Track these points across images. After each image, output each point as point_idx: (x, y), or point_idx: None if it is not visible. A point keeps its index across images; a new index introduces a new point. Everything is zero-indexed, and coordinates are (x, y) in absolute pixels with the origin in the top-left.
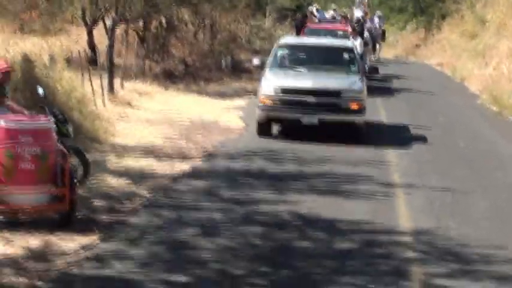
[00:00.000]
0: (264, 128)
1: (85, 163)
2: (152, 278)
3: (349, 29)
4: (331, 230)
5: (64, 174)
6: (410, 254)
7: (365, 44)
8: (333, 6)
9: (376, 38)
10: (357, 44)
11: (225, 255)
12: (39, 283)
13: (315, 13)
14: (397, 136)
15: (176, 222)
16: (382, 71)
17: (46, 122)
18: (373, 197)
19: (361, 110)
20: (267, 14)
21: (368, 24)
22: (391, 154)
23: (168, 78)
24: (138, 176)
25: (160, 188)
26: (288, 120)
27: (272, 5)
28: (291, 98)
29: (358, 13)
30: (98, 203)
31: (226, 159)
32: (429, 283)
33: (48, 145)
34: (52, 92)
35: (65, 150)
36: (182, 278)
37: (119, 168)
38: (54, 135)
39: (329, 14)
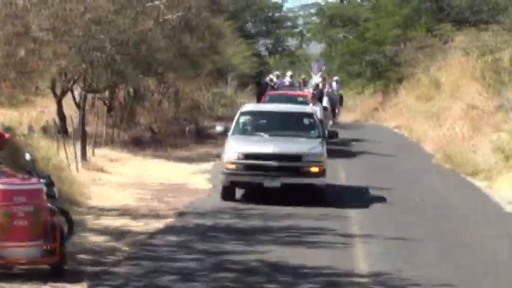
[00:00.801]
0: (228, 192)
1: (69, 221)
2: None
3: (308, 95)
4: (296, 275)
5: (54, 230)
6: None
7: (324, 108)
8: (289, 72)
9: (335, 103)
10: (316, 109)
11: None
12: None
13: (275, 80)
14: (356, 196)
15: (156, 271)
16: (342, 134)
17: (37, 183)
18: (334, 246)
19: (321, 173)
20: (229, 81)
21: (327, 90)
22: (351, 211)
23: (136, 144)
24: (117, 234)
25: (138, 243)
26: (251, 184)
27: (233, 73)
28: (253, 163)
29: (316, 79)
30: (83, 256)
31: (196, 217)
32: None
33: (40, 204)
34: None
35: (54, 208)
36: None
37: (98, 227)
38: (45, 195)
39: (287, 80)
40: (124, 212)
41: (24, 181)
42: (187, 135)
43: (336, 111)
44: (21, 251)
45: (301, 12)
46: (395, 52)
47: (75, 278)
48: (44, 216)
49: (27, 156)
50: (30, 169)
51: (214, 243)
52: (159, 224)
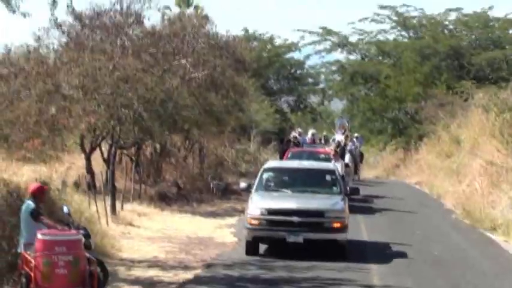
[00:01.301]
0: (251, 247)
1: (105, 271)
2: None
3: (330, 152)
4: None
5: (92, 278)
6: None
7: (346, 165)
8: (312, 130)
9: (357, 160)
10: (338, 166)
11: None
12: None
13: (298, 137)
14: (377, 250)
15: None
16: (363, 191)
17: (76, 234)
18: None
19: (343, 229)
20: (252, 138)
21: (349, 146)
22: (372, 264)
23: (163, 199)
24: (148, 284)
25: None
26: (274, 239)
27: (256, 129)
28: (276, 219)
29: (338, 137)
30: None
31: (223, 268)
32: None
33: (79, 253)
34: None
35: (92, 257)
36: None
37: (130, 277)
38: (83, 246)
39: (308, 137)
40: (154, 264)
41: (64, 232)
42: (213, 191)
43: (358, 168)
44: None
45: (323, 70)
46: (416, 109)
47: None
48: (82, 266)
49: (65, 209)
50: (68, 221)
51: None
52: (188, 275)
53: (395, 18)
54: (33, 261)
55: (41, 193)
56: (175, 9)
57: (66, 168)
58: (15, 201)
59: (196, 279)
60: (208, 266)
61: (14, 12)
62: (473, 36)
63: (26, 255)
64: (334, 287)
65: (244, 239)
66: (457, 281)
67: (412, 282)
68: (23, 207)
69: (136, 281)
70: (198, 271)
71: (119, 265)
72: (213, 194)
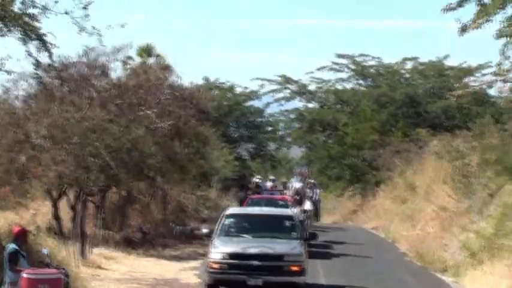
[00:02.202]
0: None
1: None
2: None
3: (289, 199)
4: None
5: None
6: None
7: (304, 211)
8: (271, 176)
9: (317, 206)
10: (296, 212)
11: None
12: None
13: (260, 183)
14: None
15: None
16: (322, 237)
17: (57, 273)
18: None
19: (301, 272)
20: (213, 185)
21: (309, 193)
22: None
23: (129, 244)
24: None
25: None
26: (235, 283)
27: (217, 176)
28: (237, 263)
29: (297, 184)
30: None
31: None
32: None
33: None
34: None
35: None
36: None
37: None
38: (63, 284)
39: (268, 184)
40: None
41: (46, 271)
42: (176, 235)
43: (319, 213)
44: None
45: (282, 117)
46: (374, 156)
47: None
48: None
49: (44, 251)
50: (47, 262)
51: None
52: None
53: (353, 67)
54: None
55: (23, 235)
56: (138, 59)
57: (32, 215)
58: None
59: None
60: None
61: None
62: (429, 85)
63: None
64: None
65: (206, 282)
66: None
67: None
68: (7, 249)
69: None
70: None
71: None
72: (176, 238)
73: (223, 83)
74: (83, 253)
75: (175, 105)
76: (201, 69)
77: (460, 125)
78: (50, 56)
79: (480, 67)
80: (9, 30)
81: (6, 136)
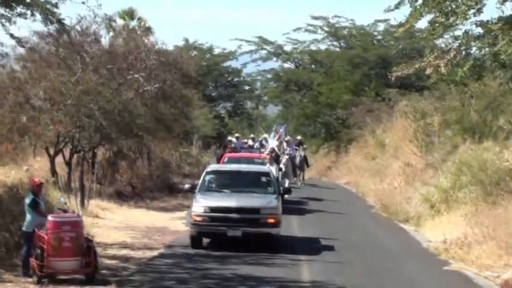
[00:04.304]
0: (196, 241)
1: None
2: None
3: (266, 157)
4: (258, 281)
5: (89, 249)
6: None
7: (280, 169)
8: (251, 135)
9: (294, 163)
10: (272, 169)
11: None
12: None
13: (234, 142)
14: (306, 242)
15: (161, 279)
16: (297, 192)
17: (78, 217)
18: (285, 265)
19: (277, 224)
20: (194, 142)
21: (288, 151)
22: (300, 252)
23: (120, 197)
24: (124, 259)
25: (142, 264)
26: (216, 234)
27: (197, 134)
28: (218, 215)
29: (273, 143)
30: (104, 272)
31: (181, 248)
32: None
33: (80, 231)
34: (51, 205)
35: (88, 236)
36: None
37: (108, 255)
38: (82, 225)
39: (250, 142)
40: (124, 246)
41: (68, 215)
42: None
43: (296, 171)
44: (67, 264)
45: (259, 77)
46: (346, 115)
47: (104, 283)
48: (82, 240)
49: (62, 200)
50: (64, 208)
51: (199, 264)
52: (153, 253)
53: (327, 29)
54: (45, 237)
55: (40, 187)
56: (121, 22)
57: (25, 170)
58: (15, 195)
59: (161, 256)
60: (168, 246)
61: None
62: (400, 46)
63: (39, 233)
64: (269, 260)
65: (190, 234)
66: (369, 259)
67: (331, 257)
68: (28, 198)
69: (113, 257)
70: (161, 250)
71: (96, 247)
72: (162, 192)
73: (202, 44)
74: (82, 204)
75: (161, 70)
76: (180, 29)
77: (429, 86)
78: (69, 36)
79: (450, 24)
80: (33, 15)
81: (8, 98)
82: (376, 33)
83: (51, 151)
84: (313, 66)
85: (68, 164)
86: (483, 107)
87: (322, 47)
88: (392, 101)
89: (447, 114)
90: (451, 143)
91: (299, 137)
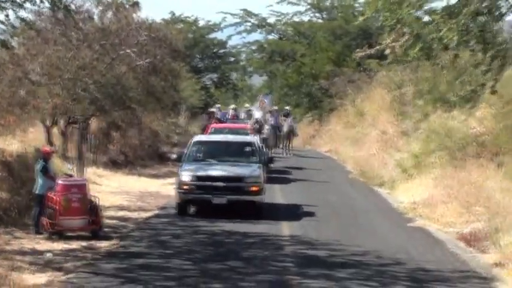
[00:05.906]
0: (182, 208)
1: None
2: (151, 251)
3: (249, 127)
4: (244, 235)
5: (95, 209)
6: (286, 241)
7: (264, 139)
8: (232, 106)
9: (277, 133)
10: (256, 139)
11: (188, 245)
12: (96, 256)
13: (217, 112)
14: (289, 208)
15: (157, 235)
16: (283, 162)
17: (84, 180)
18: (268, 222)
19: (260, 192)
20: (182, 113)
21: (271, 121)
22: (283, 218)
23: (114, 165)
24: (122, 219)
25: (139, 222)
26: (202, 201)
27: (185, 105)
28: (204, 184)
29: (257, 114)
30: (106, 229)
31: (173, 209)
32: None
33: (86, 193)
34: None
35: (92, 196)
36: (166, 251)
37: (107, 215)
38: (87, 188)
39: (230, 113)
40: (121, 208)
41: (75, 179)
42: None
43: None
44: (75, 222)
45: (244, 49)
46: (329, 85)
47: (107, 238)
48: (88, 200)
49: (69, 166)
50: (70, 174)
51: (191, 222)
52: (149, 214)
53: (309, 0)
54: (56, 198)
55: (50, 154)
56: None
57: (19, 141)
58: (24, 162)
59: (156, 216)
60: (162, 208)
61: None
62: (381, 18)
63: (50, 195)
64: (253, 217)
65: (176, 201)
66: (343, 218)
67: (312, 219)
68: (39, 165)
69: (112, 217)
70: (156, 211)
71: None
72: (153, 160)
73: (188, 17)
74: (81, 171)
75: (152, 45)
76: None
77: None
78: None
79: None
80: (42, 2)
81: (8, 73)
82: (357, 4)
83: (48, 123)
84: (296, 37)
85: (64, 134)
86: (453, 78)
87: (305, 18)
88: (372, 71)
89: (420, 85)
90: (423, 112)
91: (288, 107)
